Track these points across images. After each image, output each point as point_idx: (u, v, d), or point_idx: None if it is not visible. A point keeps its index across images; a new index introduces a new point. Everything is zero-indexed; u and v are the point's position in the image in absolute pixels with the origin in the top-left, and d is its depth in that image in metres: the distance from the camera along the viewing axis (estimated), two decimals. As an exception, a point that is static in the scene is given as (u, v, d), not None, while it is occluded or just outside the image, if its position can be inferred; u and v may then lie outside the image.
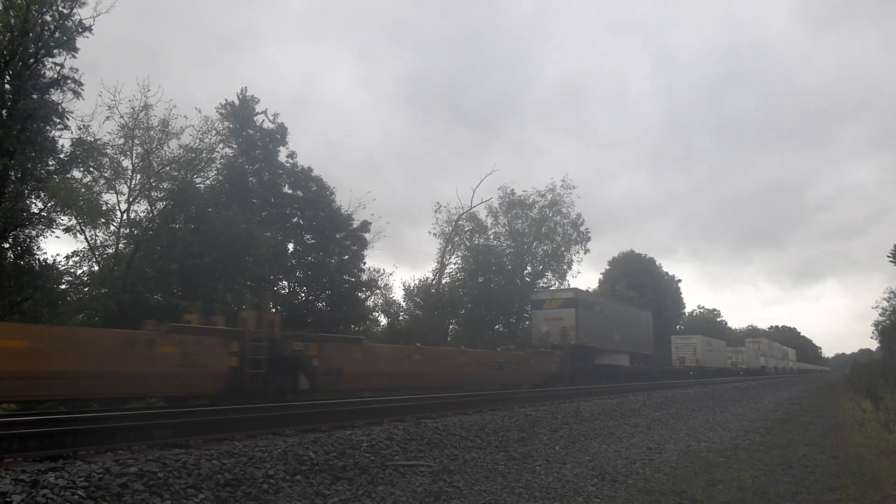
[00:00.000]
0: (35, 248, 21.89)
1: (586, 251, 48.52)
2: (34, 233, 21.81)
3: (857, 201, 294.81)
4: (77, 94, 21.66)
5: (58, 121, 21.35)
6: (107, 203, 24.01)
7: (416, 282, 42.70)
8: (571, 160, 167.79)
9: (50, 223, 21.98)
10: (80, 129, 22.24)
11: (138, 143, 24.63)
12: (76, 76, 21.56)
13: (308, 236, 31.02)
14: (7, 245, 20.97)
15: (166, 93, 50.21)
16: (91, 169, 23.19)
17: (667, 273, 78.86)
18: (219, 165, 28.43)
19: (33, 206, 21.75)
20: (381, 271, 39.02)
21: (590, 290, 61.28)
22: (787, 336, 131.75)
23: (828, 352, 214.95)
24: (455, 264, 44.98)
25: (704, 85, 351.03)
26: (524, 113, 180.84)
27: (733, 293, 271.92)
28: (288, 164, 30.91)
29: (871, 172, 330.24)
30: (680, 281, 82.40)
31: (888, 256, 52.47)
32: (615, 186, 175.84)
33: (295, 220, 30.96)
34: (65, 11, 21.04)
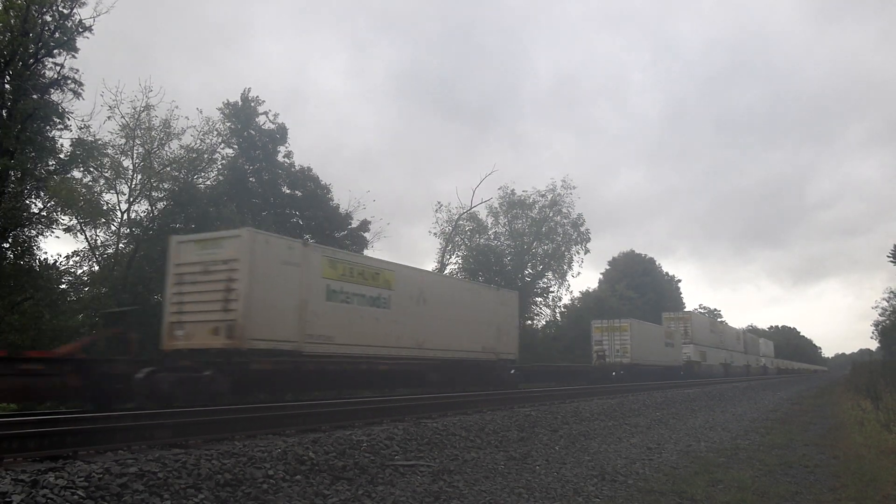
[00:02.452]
0: (35, 248, 21.94)
1: (587, 251, 48.47)
2: (34, 233, 21.85)
3: (859, 199, 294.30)
4: (77, 95, 21.74)
5: (58, 121, 21.40)
6: (107, 203, 24.11)
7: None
8: (570, 156, 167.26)
9: (50, 223, 22.03)
10: (80, 128, 22.33)
11: (139, 143, 24.72)
12: (76, 76, 21.65)
13: (308, 236, 31.04)
14: (7, 245, 20.98)
15: (157, 85, 50.22)
16: (91, 169, 23.26)
17: (666, 273, 78.98)
18: (219, 166, 28.52)
19: (33, 206, 21.81)
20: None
21: (590, 290, 60.36)
22: (787, 336, 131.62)
23: (828, 352, 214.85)
24: (455, 264, 44.94)
25: (705, 79, 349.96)
26: (521, 108, 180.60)
27: (734, 292, 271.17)
28: (286, 164, 30.97)
29: (875, 169, 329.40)
30: (680, 281, 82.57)
31: (888, 256, 52.43)
32: (615, 183, 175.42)
33: (294, 219, 30.99)
34: (65, 11, 21.10)
